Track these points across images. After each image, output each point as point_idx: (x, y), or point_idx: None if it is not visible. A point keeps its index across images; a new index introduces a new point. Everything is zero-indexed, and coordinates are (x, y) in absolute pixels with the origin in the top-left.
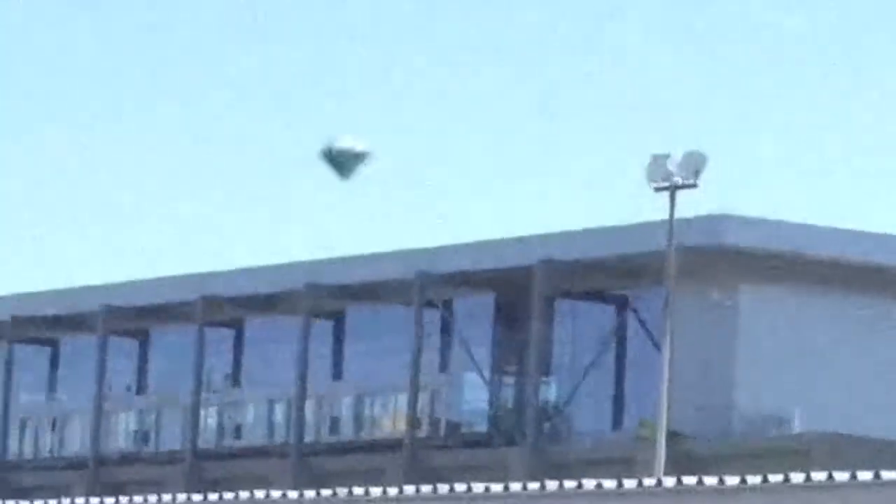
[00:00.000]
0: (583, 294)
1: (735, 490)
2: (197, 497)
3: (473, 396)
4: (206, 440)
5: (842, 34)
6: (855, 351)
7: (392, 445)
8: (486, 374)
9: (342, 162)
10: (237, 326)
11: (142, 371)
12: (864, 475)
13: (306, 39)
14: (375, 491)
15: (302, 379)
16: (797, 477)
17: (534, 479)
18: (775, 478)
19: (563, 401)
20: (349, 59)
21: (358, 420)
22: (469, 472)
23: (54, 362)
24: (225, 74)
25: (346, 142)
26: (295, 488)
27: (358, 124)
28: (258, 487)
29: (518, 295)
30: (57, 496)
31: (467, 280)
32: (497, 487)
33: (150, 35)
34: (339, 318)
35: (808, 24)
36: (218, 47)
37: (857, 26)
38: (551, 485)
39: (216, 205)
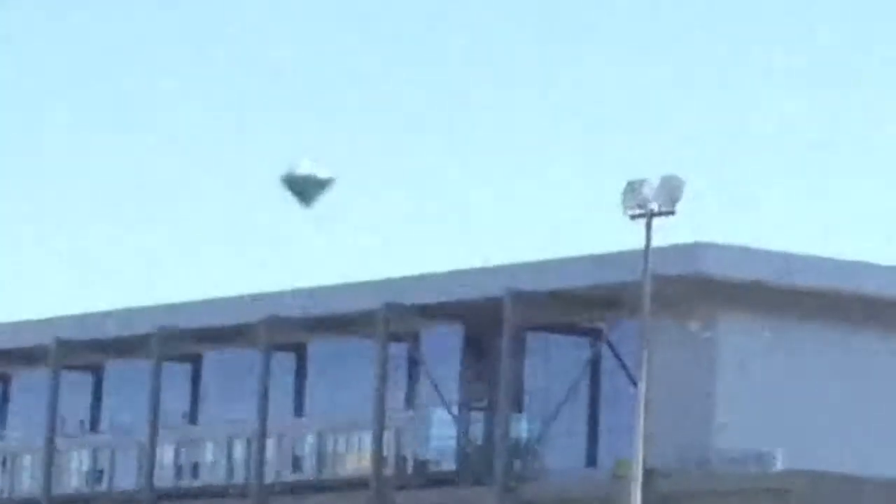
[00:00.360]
0: (555, 326)
1: None
2: None
3: (441, 433)
4: (163, 479)
5: (825, 59)
6: (839, 383)
7: (357, 484)
8: (455, 409)
9: (304, 189)
10: (195, 360)
11: (96, 407)
12: None
13: (267, 66)
14: None
15: (262, 415)
16: None
17: None
18: None
19: (535, 437)
20: (311, 83)
21: (321, 458)
22: None
23: (4, 397)
24: (183, 97)
25: (308, 168)
26: None
27: (320, 150)
28: None
29: (487, 327)
30: None
31: (434, 312)
32: None
33: (111, 57)
34: (300, 352)
35: (790, 48)
36: (177, 72)
37: (842, 47)
38: None
39: (174, 234)
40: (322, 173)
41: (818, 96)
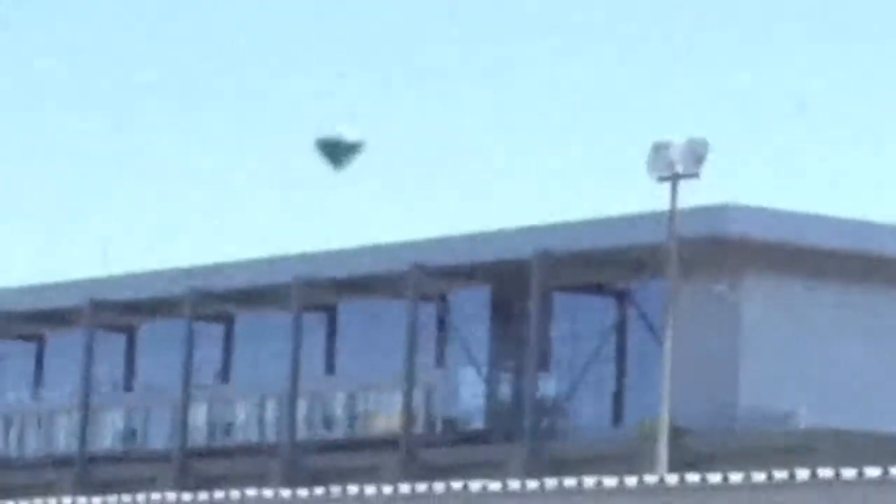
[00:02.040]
0: (582, 287)
1: (739, 487)
2: (187, 496)
3: (470, 392)
4: (196, 438)
5: (848, 23)
6: (862, 343)
7: (387, 443)
8: (483, 369)
9: (336, 152)
10: (227, 321)
11: (129, 367)
12: (872, 472)
13: (298, 29)
14: (370, 490)
15: (294, 375)
16: (803, 474)
17: (532, 476)
18: (780, 475)
19: (563, 396)
20: (343, 48)
21: (351, 417)
22: (466, 470)
23: (39, 359)
24: (212, 63)
25: (341, 131)
26: (287, 487)
27: (352, 114)
28: (249, 486)
29: (515, 288)
30: (44, 495)
31: (463, 273)
32: (495, 485)
33: (134, 24)
34: (331, 313)
35: (814, 11)
36: (204, 36)
37: (864, 16)
38: (550, 483)
39: (205, 196)
40: (352, 136)
41: (844, 56)
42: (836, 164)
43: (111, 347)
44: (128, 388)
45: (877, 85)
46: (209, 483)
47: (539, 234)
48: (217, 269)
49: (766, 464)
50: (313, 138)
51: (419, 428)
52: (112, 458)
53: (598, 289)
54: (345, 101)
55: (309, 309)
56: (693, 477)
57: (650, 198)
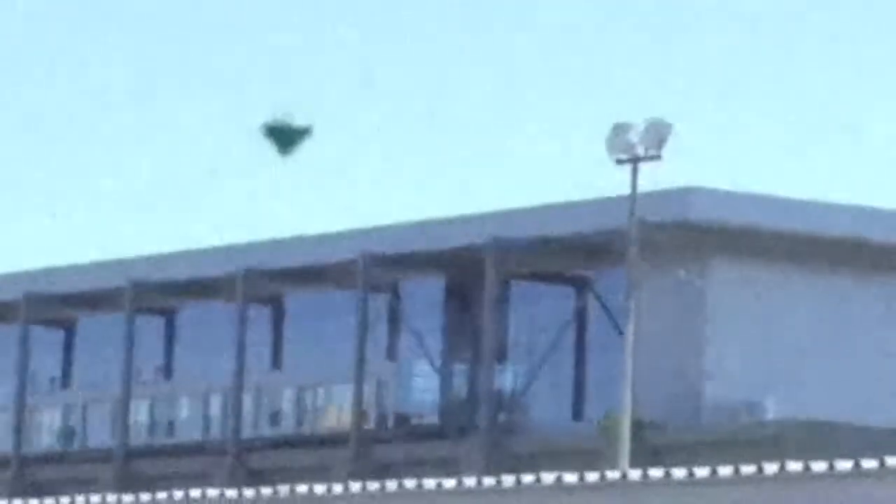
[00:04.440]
0: (540, 275)
1: (705, 482)
2: (128, 497)
3: (423, 386)
4: (137, 437)
5: (810, 3)
6: (832, 330)
7: (337, 440)
8: (437, 361)
9: (285, 137)
10: (169, 314)
11: (67, 363)
12: (843, 465)
13: (239, 9)
14: (320, 488)
15: (239, 370)
16: (771, 467)
17: (489, 473)
18: (748, 469)
19: (520, 389)
20: (288, 30)
21: (300, 413)
22: (420, 467)
23: None
24: (150, 47)
25: (287, 116)
26: (233, 487)
27: (298, 99)
28: (193, 486)
29: (470, 277)
30: None
31: (415, 262)
32: (450, 483)
33: (87, 13)
34: (277, 304)
35: None
36: (143, 22)
37: None
38: (508, 479)
39: (145, 184)
40: (300, 121)
41: (812, 35)
42: (803, 145)
43: (48, 342)
44: (66, 384)
45: (842, 66)
46: (151, 483)
47: (494, 221)
48: (157, 260)
49: (733, 457)
50: (260, 123)
51: (370, 424)
52: (49, 459)
53: (557, 277)
54: (290, 85)
55: (254, 300)
56: (657, 472)
57: (610, 181)
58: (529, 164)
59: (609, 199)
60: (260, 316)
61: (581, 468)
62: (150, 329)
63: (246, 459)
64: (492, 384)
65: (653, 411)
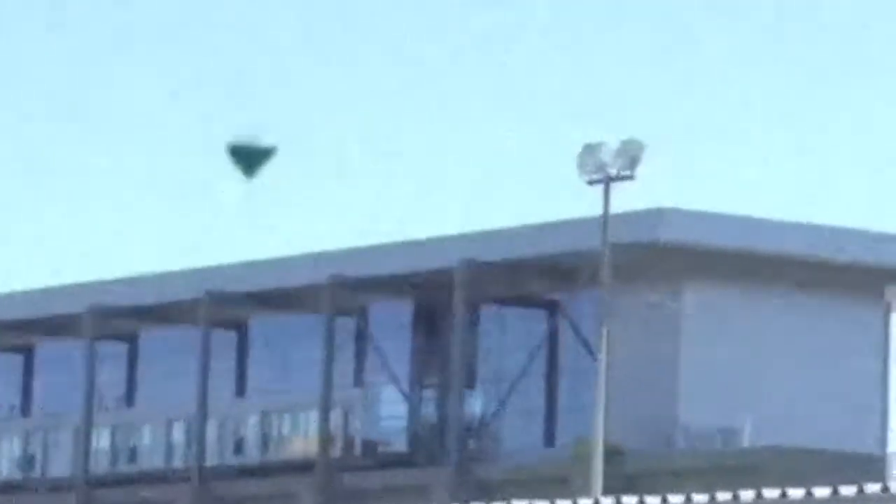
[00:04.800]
0: (510, 299)
1: None
2: None
3: (391, 412)
4: (99, 465)
5: (784, 23)
6: (808, 353)
7: (303, 467)
8: (405, 387)
9: (250, 158)
10: (131, 340)
11: (27, 390)
12: (821, 492)
13: (204, 33)
14: None
15: (202, 396)
16: (747, 495)
17: (458, 501)
18: (723, 496)
19: (490, 415)
20: (251, 53)
21: (264, 440)
22: (388, 495)
23: None
24: (114, 66)
25: (254, 136)
26: None
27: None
28: None
29: (439, 300)
30: None
31: (383, 285)
32: None
33: (30, 26)
34: (242, 329)
35: (751, 11)
36: (107, 38)
37: (801, 15)
38: None
39: (108, 207)
40: (264, 142)
41: (781, 58)
42: (776, 166)
43: (7, 368)
44: (25, 412)
45: (817, 85)
46: None
47: (463, 243)
48: (119, 284)
49: (708, 484)
50: (224, 144)
51: (337, 451)
52: (9, 487)
53: (527, 300)
54: (254, 107)
55: (218, 325)
56: (630, 500)
57: (581, 203)
58: (499, 184)
59: (580, 220)
60: (224, 341)
61: (553, 496)
62: (112, 355)
63: (210, 488)
64: (461, 410)
65: (626, 437)
